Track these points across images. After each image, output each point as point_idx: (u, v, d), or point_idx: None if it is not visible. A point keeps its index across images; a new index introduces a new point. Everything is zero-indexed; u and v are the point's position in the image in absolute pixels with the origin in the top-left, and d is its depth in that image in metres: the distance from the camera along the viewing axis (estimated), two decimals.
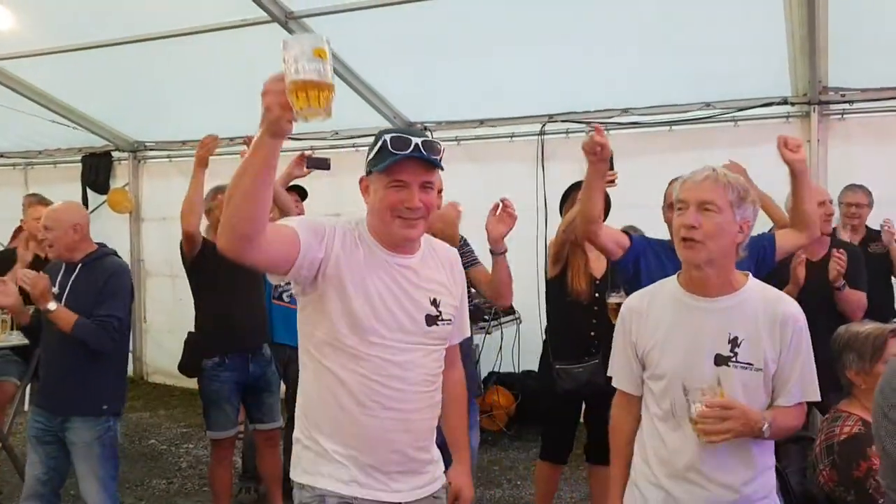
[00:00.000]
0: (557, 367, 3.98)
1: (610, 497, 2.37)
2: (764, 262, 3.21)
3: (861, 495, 2.26)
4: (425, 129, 6.71)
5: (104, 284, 3.62)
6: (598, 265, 4.00)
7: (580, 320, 3.98)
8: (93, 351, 3.53)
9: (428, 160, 2.06)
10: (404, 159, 2.04)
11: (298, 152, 4.42)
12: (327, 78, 1.64)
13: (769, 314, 2.13)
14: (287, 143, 1.87)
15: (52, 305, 3.46)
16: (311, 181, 4.66)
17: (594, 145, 2.93)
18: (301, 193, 4.81)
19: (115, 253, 3.89)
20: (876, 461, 2.24)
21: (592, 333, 3.94)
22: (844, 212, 4.93)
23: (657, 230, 5.40)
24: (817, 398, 2.21)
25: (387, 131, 2.09)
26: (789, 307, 2.18)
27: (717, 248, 2.11)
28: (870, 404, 2.42)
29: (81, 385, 3.57)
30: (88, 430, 3.59)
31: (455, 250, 2.36)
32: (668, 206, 3.37)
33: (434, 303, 2.21)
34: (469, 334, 2.44)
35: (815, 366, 2.19)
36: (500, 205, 3.29)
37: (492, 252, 3.37)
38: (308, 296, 2.13)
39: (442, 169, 2.14)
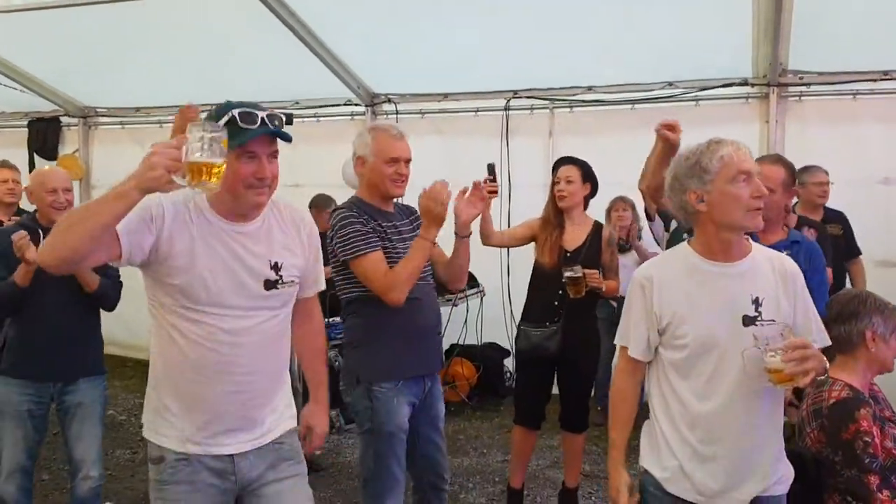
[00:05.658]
0: (520, 327, 4.21)
1: (611, 462, 2.38)
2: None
3: (848, 455, 2.44)
4: (389, 100, 6.69)
5: None
6: (573, 238, 4.13)
7: (546, 288, 4.12)
8: (96, 311, 3.67)
9: (277, 133, 2.17)
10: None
11: None
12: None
13: (778, 271, 2.28)
14: None
15: None
16: None
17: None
18: None
19: None
20: (864, 423, 2.41)
21: (556, 303, 4.07)
22: (815, 191, 5.05)
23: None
24: (829, 343, 2.36)
25: (231, 105, 2.12)
26: (789, 262, 2.34)
27: None
28: (868, 370, 2.58)
29: (89, 346, 3.66)
30: (93, 390, 3.63)
31: (303, 212, 2.30)
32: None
33: (275, 266, 2.26)
34: (323, 287, 2.45)
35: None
36: (470, 188, 3.15)
37: (457, 234, 3.17)
38: (145, 269, 2.20)
39: (289, 140, 2.18)
